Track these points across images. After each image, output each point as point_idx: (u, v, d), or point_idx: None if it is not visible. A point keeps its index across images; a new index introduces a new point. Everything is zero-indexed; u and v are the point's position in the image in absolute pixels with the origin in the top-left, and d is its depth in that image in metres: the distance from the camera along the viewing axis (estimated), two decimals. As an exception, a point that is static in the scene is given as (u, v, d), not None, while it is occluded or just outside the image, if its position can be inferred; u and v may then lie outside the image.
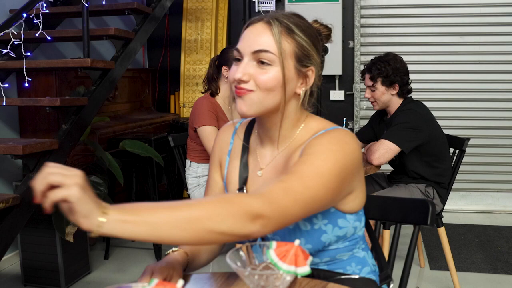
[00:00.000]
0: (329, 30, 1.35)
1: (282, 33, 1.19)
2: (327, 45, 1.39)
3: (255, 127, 1.38)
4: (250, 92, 1.18)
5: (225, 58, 3.03)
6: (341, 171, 1.12)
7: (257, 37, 1.19)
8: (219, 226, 0.94)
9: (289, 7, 4.64)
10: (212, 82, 3.07)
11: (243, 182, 1.32)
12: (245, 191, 1.31)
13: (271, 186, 1.04)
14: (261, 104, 1.19)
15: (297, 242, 0.93)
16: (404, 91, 2.91)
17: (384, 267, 1.43)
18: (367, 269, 1.33)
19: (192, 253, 1.27)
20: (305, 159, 1.12)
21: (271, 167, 1.29)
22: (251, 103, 1.19)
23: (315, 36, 1.25)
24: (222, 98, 3.08)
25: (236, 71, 1.19)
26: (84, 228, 0.88)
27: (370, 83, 2.93)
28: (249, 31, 1.23)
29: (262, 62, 1.18)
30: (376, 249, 1.48)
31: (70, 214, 0.89)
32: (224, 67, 3.01)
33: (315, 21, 1.34)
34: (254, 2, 4.81)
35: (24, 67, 2.73)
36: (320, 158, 1.11)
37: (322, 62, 1.29)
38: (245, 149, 1.36)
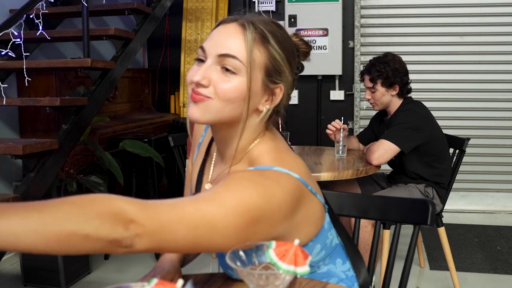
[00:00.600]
0: (309, 47, 1.21)
1: (256, 40, 1.07)
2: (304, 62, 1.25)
3: None
4: (207, 99, 1.05)
5: None
6: (252, 212, 0.95)
7: (227, 39, 1.07)
8: (82, 228, 0.77)
9: (289, 7, 4.65)
10: None
11: (198, 188, 1.25)
12: None
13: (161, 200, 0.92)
14: (217, 114, 1.06)
15: (296, 241, 0.93)
16: (404, 91, 2.91)
17: (361, 274, 1.33)
18: (334, 280, 1.27)
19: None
20: (215, 186, 0.99)
21: (215, 184, 1.16)
22: (206, 110, 1.06)
23: (291, 51, 1.13)
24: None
25: (196, 73, 1.06)
26: None
27: (370, 84, 2.93)
28: (219, 30, 1.10)
29: (227, 69, 1.05)
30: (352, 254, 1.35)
31: None
32: None
33: (295, 35, 1.20)
34: (254, 2, 4.81)
35: (24, 67, 2.74)
36: (229, 189, 0.96)
37: (294, 80, 1.16)
38: (207, 154, 1.27)
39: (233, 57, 1.05)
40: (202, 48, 1.09)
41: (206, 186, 1.22)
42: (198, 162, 1.28)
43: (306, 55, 1.21)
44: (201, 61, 1.09)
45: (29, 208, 0.77)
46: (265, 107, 1.11)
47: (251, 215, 0.94)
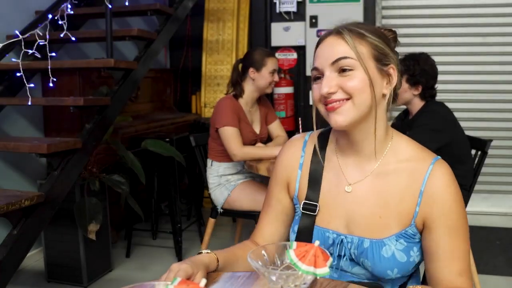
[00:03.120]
0: (393, 32, 1.31)
1: (355, 38, 1.18)
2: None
3: (332, 138, 1.34)
4: (343, 102, 1.17)
5: (250, 60, 3.07)
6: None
7: (332, 48, 1.19)
8: None
9: (310, 8, 4.65)
10: (236, 85, 3.10)
11: (315, 195, 1.30)
12: (318, 206, 1.29)
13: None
14: (357, 110, 1.17)
15: (317, 243, 0.94)
16: (427, 94, 2.88)
17: None
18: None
19: (225, 261, 1.24)
20: (453, 234, 1.34)
21: (366, 186, 1.26)
22: (347, 113, 1.17)
23: (384, 36, 1.24)
24: (245, 99, 3.11)
25: (321, 87, 1.18)
26: None
27: None
28: (322, 46, 1.23)
29: (344, 70, 1.17)
30: None
31: None
32: (251, 69, 3.04)
33: (378, 27, 1.30)
34: (275, 3, 4.82)
35: (49, 67, 2.78)
36: (463, 229, 1.38)
37: (398, 59, 1.27)
38: (320, 162, 1.32)
39: (345, 57, 1.17)
40: (315, 68, 1.22)
41: (347, 188, 1.27)
42: (305, 177, 1.33)
43: (395, 40, 1.31)
44: (317, 79, 1.22)
45: None
46: (388, 89, 1.23)
47: None
